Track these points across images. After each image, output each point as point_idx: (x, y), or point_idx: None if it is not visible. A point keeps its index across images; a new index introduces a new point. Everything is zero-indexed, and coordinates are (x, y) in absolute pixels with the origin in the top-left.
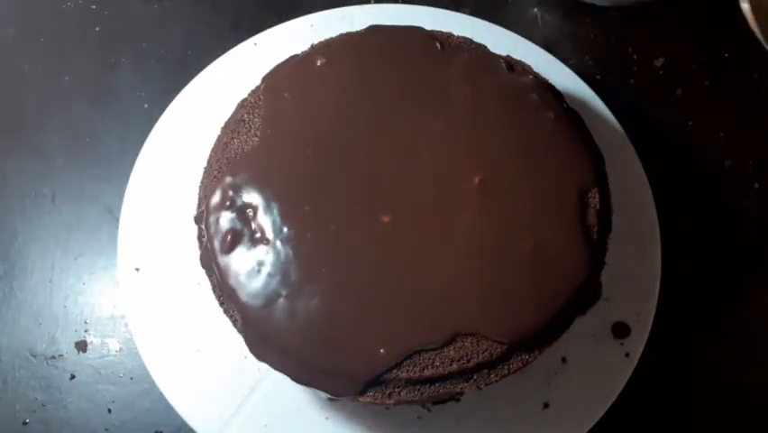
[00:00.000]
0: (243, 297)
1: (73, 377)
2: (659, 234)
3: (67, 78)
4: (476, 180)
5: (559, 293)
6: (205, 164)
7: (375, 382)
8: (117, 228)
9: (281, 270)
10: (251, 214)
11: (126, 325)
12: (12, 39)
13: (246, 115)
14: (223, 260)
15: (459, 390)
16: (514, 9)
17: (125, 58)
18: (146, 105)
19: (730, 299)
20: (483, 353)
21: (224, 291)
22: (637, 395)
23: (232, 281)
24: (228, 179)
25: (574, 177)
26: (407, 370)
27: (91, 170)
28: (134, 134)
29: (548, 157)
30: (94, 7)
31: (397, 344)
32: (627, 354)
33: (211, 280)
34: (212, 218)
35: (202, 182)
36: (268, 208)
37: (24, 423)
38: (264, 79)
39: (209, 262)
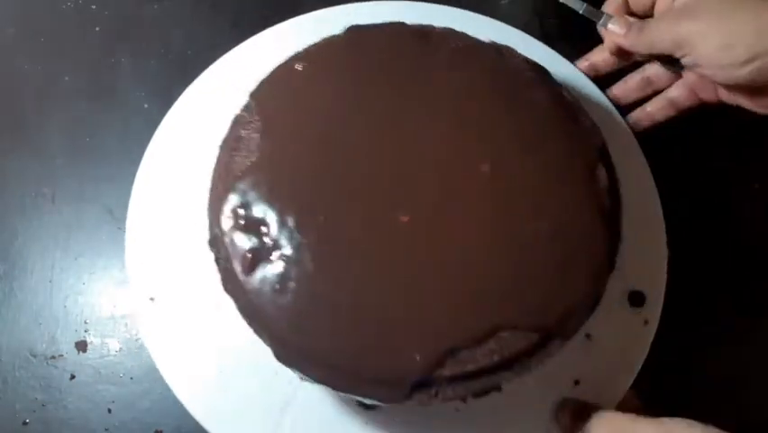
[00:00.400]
0: (273, 315)
1: (73, 377)
2: (661, 211)
3: (67, 78)
4: (484, 168)
5: (586, 274)
6: (208, 184)
7: (421, 385)
8: (117, 228)
9: (307, 282)
10: (265, 230)
11: (126, 325)
12: (12, 39)
13: (242, 132)
14: (246, 281)
15: (501, 380)
16: (513, 8)
17: (125, 57)
18: (146, 105)
19: (731, 298)
20: (522, 342)
21: (253, 312)
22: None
23: (259, 301)
24: (236, 199)
25: (579, 153)
26: (451, 368)
27: (91, 170)
28: (134, 134)
29: (550, 136)
30: (94, 7)
31: (438, 344)
32: (646, 322)
33: (236, 303)
34: (227, 240)
35: (209, 205)
36: (282, 222)
37: (24, 423)
38: (253, 95)
39: (232, 285)
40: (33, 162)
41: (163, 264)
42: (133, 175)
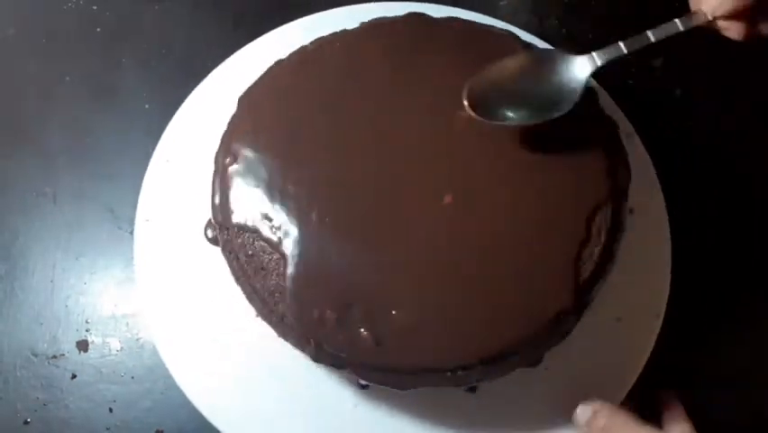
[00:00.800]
0: (415, 358)
1: (74, 376)
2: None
3: (68, 79)
4: (465, 116)
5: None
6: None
7: (579, 307)
8: (118, 228)
9: (413, 295)
10: (336, 317)
11: (128, 324)
12: (13, 39)
13: (248, 245)
14: (338, 339)
15: (616, 249)
16: (510, 9)
17: (126, 58)
18: (147, 106)
19: (733, 298)
20: (608, 213)
21: (373, 368)
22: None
23: (363, 345)
24: (310, 305)
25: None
26: (586, 269)
27: (92, 169)
28: (136, 134)
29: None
30: (95, 8)
31: (567, 263)
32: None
33: (360, 371)
34: (330, 336)
35: (280, 331)
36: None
37: (26, 422)
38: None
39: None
40: (35, 162)
41: (173, 265)
42: (135, 175)
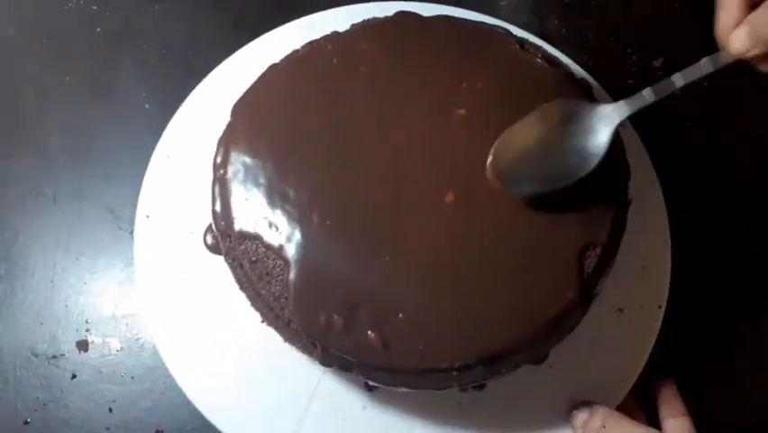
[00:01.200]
0: (404, 359)
1: (74, 376)
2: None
3: (68, 78)
4: (460, 112)
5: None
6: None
7: (589, 298)
8: (118, 228)
9: (420, 296)
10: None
11: (127, 324)
12: (13, 39)
13: (251, 252)
14: (345, 343)
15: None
16: (510, 9)
17: (126, 58)
18: (147, 106)
19: (732, 298)
20: (608, 210)
21: (379, 367)
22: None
23: (361, 355)
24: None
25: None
26: (590, 264)
27: (92, 169)
28: (135, 134)
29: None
30: (95, 8)
31: (570, 251)
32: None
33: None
34: (337, 339)
35: (287, 336)
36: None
37: (26, 422)
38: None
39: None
40: (35, 162)
41: (173, 265)
42: (135, 175)
